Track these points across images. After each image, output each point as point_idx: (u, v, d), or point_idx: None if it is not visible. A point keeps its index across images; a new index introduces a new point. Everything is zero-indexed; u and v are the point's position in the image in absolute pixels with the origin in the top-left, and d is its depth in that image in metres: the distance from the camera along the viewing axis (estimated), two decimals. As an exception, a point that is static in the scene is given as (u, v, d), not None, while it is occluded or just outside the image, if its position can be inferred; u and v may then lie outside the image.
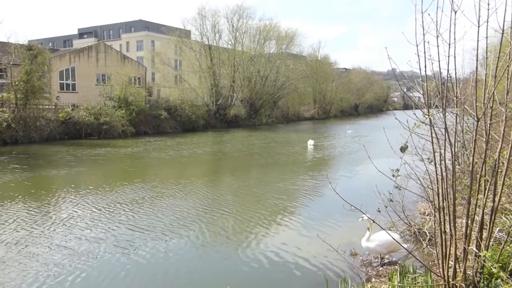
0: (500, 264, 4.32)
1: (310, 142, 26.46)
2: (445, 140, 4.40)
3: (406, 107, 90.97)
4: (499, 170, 4.34)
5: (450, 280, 4.41)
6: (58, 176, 16.57)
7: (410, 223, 7.97)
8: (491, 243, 4.56)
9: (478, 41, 4.05)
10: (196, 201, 12.02)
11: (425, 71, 4.42)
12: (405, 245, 6.58)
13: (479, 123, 4.22)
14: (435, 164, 4.49)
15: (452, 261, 4.41)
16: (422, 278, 5.43)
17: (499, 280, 4.27)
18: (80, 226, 9.41)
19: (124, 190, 13.23)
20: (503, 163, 4.33)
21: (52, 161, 20.64)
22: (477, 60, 4.37)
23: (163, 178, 15.97)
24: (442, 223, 4.47)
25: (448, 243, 4.45)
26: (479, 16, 3.97)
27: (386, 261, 7.07)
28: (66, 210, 10.84)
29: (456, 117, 4.47)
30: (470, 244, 4.36)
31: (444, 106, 4.40)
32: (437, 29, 4.08)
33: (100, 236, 8.71)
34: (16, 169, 17.51)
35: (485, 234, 4.38)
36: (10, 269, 7.01)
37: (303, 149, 25.60)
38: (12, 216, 10.18)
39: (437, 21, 4.05)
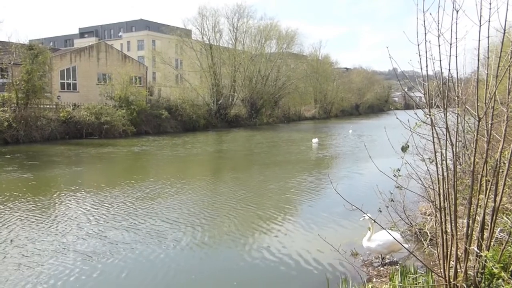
0: (502, 264, 4.30)
1: (314, 140, 27.34)
2: (446, 140, 4.40)
3: (407, 106, 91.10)
4: (500, 170, 4.33)
5: (451, 280, 4.40)
6: (81, 172, 16.83)
7: (411, 223, 7.98)
8: (492, 243, 4.55)
9: (479, 40, 4.04)
10: (214, 197, 12.41)
11: (427, 70, 4.41)
12: (406, 245, 6.56)
13: (480, 123, 4.20)
14: (436, 164, 4.48)
15: (453, 261, 4.41)
16: (423, 278, 5.43)
17: (500, 280, 4.26)
18: (114, 217, 9.80)
19: (147, 186, 13.63)
20: (504, 163, 4.32)
21: (67, 159, 20.77)
22: (478, 60, 4.36)
23: (181, 175, 16.45)
24: (443, 223, 4.47)
25: (449, 243, 4.44)
26: (481, 16, 3.96)
27: (387, 261, 7.06)
28: (97, 204, 11.16)
29: (457, 117, 4.46)
30: (471, 244, 4.35)
31: (445, 106, 4.40)
32: (438, 29, 4.07)
33: (132, 227, 9.10)
34: (35, 166, 17.70)
35: (486, 234, 4.37)
36: (57, 259, 7.17)
37: (308, 148, 25.88)
38: (51, 209, 10.61)
39: (438, 21, 4.04)
